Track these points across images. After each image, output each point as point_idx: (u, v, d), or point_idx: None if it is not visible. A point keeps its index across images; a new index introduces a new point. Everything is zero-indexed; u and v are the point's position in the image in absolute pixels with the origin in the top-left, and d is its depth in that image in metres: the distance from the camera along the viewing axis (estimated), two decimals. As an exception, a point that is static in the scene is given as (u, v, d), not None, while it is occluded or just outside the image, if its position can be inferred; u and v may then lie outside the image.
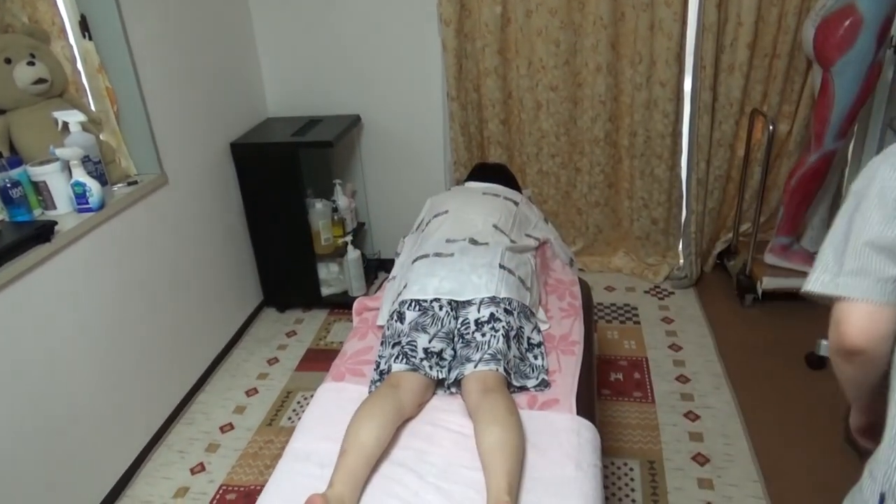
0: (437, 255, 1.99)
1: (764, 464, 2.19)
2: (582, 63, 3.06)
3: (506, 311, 1.81)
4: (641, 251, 3.41)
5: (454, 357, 1.76)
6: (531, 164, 3.31)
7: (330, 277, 3.31)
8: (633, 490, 2.12)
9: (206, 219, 2.82)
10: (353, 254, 3.21)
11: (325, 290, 3.30)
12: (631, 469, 2.20)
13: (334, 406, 1.73)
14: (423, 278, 1.91)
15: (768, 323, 2.99)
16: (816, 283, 0.94)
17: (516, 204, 2.36)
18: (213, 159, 2.87)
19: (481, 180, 2.52)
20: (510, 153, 3.32)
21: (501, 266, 1.94)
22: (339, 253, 3.24)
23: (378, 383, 1.77)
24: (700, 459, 2.23)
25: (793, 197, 2.93)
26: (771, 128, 2.82)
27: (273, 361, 2.93)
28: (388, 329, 1.90)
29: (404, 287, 1.93)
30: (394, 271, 2.24)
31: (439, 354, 1.76)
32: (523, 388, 1.74)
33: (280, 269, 3.24)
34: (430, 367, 1.72)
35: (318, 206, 3.15)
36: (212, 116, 2.85)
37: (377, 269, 3.60)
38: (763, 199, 2.99)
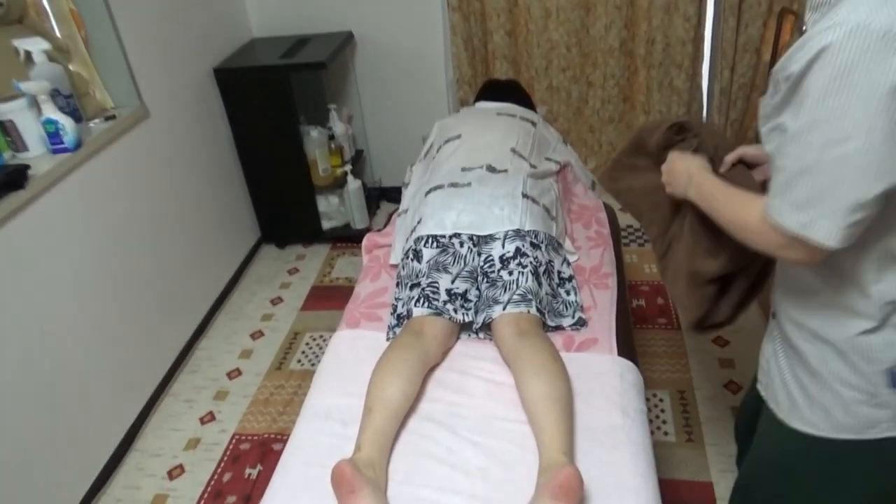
0: (453, 185, 1.81)
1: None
2: (595, -37, 2.78)
3: (532, 244, 1.65)
4: (658, 169, 3.22)
5: (479, 298, 1.61)
6: (540, 80, 3.07)
7: (330, 210, 3.13)
8: (664, 423, 2.03)
9: (193, 153, 2.61)
10: (353, 184, 3.01)
11: (326, 224, 3.12)
12: (661, 400, 2.11)
13: (352, 355, 1.59)
14: (440, 212, 1.73)
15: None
16: None
17: (534, 124, 2.15)
18: (196, 87, 2.62)
19: (493, 99, 2.30)
20: (517, 68, 3.07)
21: (524, 195, 1.77)
22: (338, 183, 3.04)
23: (397, 329, 1.63)
24: (733, 387, 2.13)
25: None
26: (805, 28, 2.57)
27: (277, 301, 2.79)
28: (403, 269, 1.74)
29: (419, 222, 1.76)
30: (403, 203, 2.06)
31: (463, 296, 1.61)
32: (558, 328, 1.60)
33: (277, 204, 3.05)
34: (455, 311, 1.57)
35: (314, 135, 2.93)
36: (191, 39, 2.58)
37: (379, 198, 3.41)
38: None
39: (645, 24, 2.86)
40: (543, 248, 1.68)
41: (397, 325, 1.63)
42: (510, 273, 1.59)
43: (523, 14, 2.92)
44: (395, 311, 1.68)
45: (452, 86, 3.07)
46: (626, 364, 1.49)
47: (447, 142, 2.03)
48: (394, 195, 3.30)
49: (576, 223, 2.01)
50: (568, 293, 1.69)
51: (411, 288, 1.63)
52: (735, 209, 0.97)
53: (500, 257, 1.63)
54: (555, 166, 2.06)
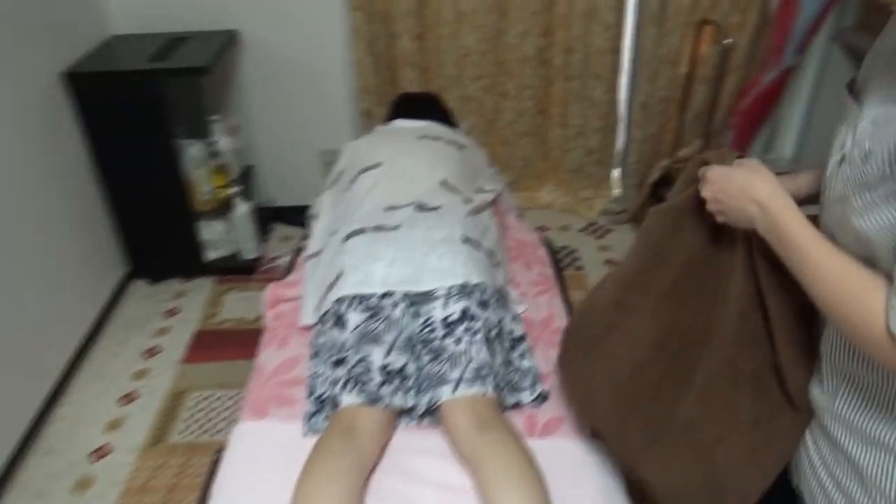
0: (378, 228, 1.49)
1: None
2: (510, -37, 2.54)
3: (481, 303, 1.37)
4: (574, 184, 3.06)
5: (420, 373, 1.31)
6: (451, 89, 2.80)
7: (215, 237, 2.68)
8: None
9: (38, 174, 2.10)
10: (242, 208, 2.59)
11: (210, 254, 2.68)
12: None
13: (260, 457, 1.24)
14: (365, 263, 1.41)
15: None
16: None
17: (462, 148, 1.87)
18: (39, 95, 2.11)
19: (411, 117, 2.00)
20: (427, 76, 2.78)
21: (465, 239, 1.48)
22: (223, 207, 2.61)
23: (318, 417, 1.29)
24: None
25: (744, 120, 2.65)
26: (730, 40, 2.48)
27: (152, 352, 2.33)
28: (320, 335, 1.40)
29: (338, 276, 1.42)
30: (314, 243, 1.72)
31: (401, 372, 1.30)
32: (517, 405, 1.33)
33: (149, 232, 2.57)
34: (394, 394, 1.26)
35: (192, 151, 2.48)
36: (29, 33, 2.07)
37: (272, 219, 3.00)
38: (714, 121, 2.70)
39: (563, 33, 2.66)
40: (493, 305, 1.40)
41: (318, 413, 1.30)
42: (458, 341, 1.30)
43: (433, 16, 2.63)
44: (312, 391, 1.34)
45: (355, 95, 2.73)
46: (603, 448, 1.25)
47: (364, 172, 1.71)
48: (291, 216, 2.91)
49: (515, 263, 1.75)
50: (522, 358, 1.42)
51: (335, 365, 1.30)
52: (841, 291, 0.69)
53: (444, 320, 1.34)
54: (489, 197, 1.79)
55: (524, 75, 2.77)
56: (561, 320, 1.56)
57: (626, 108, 2.84)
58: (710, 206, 0.89)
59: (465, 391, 1.23)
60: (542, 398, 1.34)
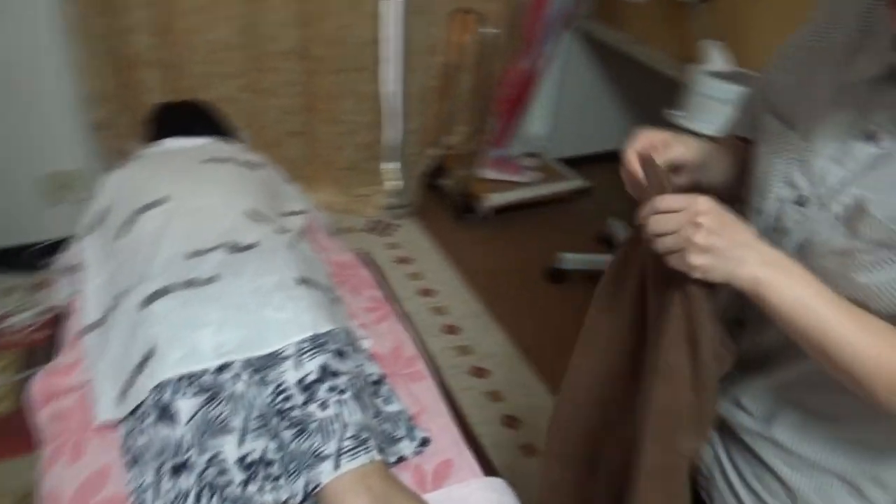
0: (189, 284, 1.20)
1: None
2: (258, -55, 2.26)
3: (338, 353, 1.18)
4: (349, 183, 2.91)
5: (286, 454, 1.08)
6: (204, 90, 2.43)
7: None
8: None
9: None
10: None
11: None
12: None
13: None
14: (185, 333, 1.12)
15: (503, 241, 2.86)
16: None
17: (256, 167, 1.61)
18: None
19: (181, 133, 1.66)
20: (172, 76, 2.37)
21: (301, 280, 1.27)
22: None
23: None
24: (508, 422, 1.99)
25: (508, 107, 2.76)
26: (496, 30, 2.53)
27: None
28: (138, 436, 1.09)
29: (148, 355, 1.11)
30: (90, 308, 1.34)
31: (263, 461, 1.06)
32: (400, 459, 1.18)
33: None
34: (261, 491, 1.02)
35: None
36: None
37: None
38: (479, 109, 2.75)
39: (325, 23, 2.47)
40: (350, 353, 1.22)
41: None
42: (323, 406, 1.10)
43: (174, 7, 2.24)
44: (145, 514, 1.03)
45: (82, 103, 2.22)
46: (499, 484, 1.17)
47: (144, 211, 1.37)
48: (9, 260, 2.30)
49: (342, 289, 1.56)
50: (388, 402, 1.27)
51: (174, 473, 1.01)
52: (865, 350, 0.61)
53: (299, 383, 1.12)
54: (303, 220, 1.58)
55: (286, 70, 2.53)
56: (410, 347, 1.44)
57: (400, 99, 2.76)
58: (697, 258, 0.64)
59: (349, 464, 1.04)
60: (424, 444, 1.21)
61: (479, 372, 2.15)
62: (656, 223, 0.67)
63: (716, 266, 0.64)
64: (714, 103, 1.99)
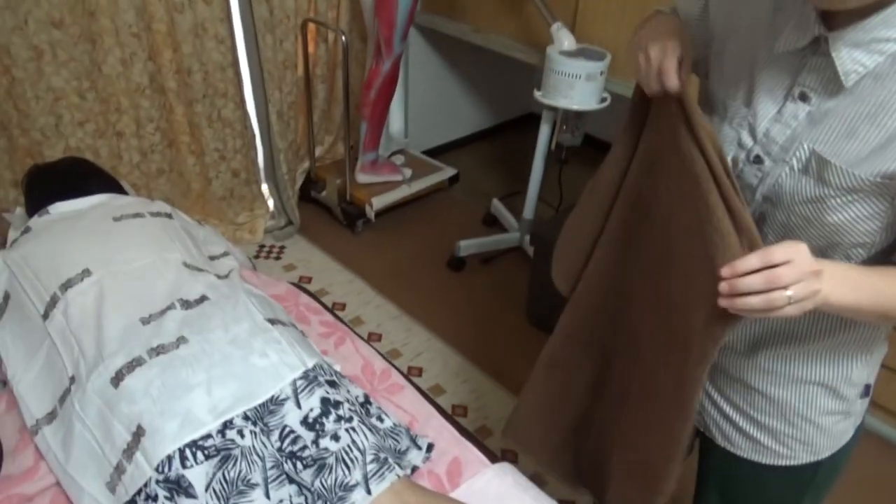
0: (159, 350, 1.13)
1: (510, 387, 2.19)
2: (88, -20, 2.09)
3: (330, 384, 1.18)
4: (229, 212, 2.79)
5: (312, 495, 1.07)
6: (51, 143, 2.22)
7: None
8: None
9: None
10: None
11: None
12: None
13: None
14: (174, 401, 1.07)
15: (397, 241, 2.91)
16: None
17: (170, 216, 1.53)
18: None
19: (71, 195, 1.52)
20: (11, 133, 2.13)
21: (270, 320, 1.24)
22: None
23: None
24: (458, 411, 2.07)
25: (375, 109, 2.79)
26: (344, 39, 2.54)
27: None
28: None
29: (137, 434, 1.05)
30: (31, 407, 1.21)
31: (294, 506, 1.05)
32: (414, 469, 1.21)
33: None
34: (304, 538, 1.01)
35: None
36: None
37: None
38: (345, 117, 2.76)
39: (171, 53, 2.34)
40: (338, 380, 1.23)
41: None
42: (335, 438, 1.11)
43: (1, 57, 2.01)
44: None
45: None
46: (507, 468, 1.24)
47: (66, 287, 1.26)
48: None
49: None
50: (381, 419, 1.28)
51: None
52: None
53: (304, 422, 1.12)
54: (233, 261, 1.52)
55: (140, 107, 2.37)
56: (378, 362, 1.46)
57: (265, 119, 2.69)
58: (786, 311, 0.70)
59: (380, 486, 1.06)
60: (430, 449, 1.25)
61: (416, 371, 2.20)
62: (742, 285, 0.71)
63: (802, 310, 0.71)
64: (569, 79, 2.18)
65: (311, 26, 2.68)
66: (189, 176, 2.64)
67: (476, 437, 1.32)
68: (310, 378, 1.16)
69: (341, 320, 1.60)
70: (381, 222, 2.93)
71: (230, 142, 2.63)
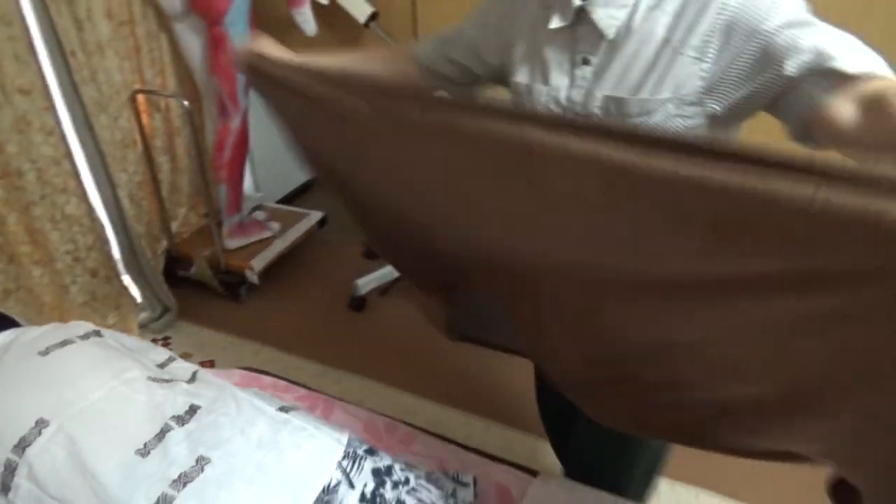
0: (183, 480, 1.00)
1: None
2: None
3: (369, 452, 1.13)
4: (94, 317, 2.47)
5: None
6: None
7: None
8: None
9: None
10: None
11: None
12: None
13: None
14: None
15: (289, 298, 2.78)
16: None
17: (96, 334, 1.33)
18: None
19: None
20: None
21: (280, 409, 1.15)
22: None
23: None
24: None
25: (232, 169, 2.65)
26: (186, 104, 2.38)
27: None
28: None
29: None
30: None
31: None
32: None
33: None
34: None
35: None
36: None
37: None
38: (204, 184, 2.59)
39: (-5, 156, 2.03)
40: (372, 449, 1.17)
41: None
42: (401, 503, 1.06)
43: None
44: None
45: None
46: (546, 477, 1.27)
47: (23, 446, 1.06)
48: None
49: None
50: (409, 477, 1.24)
51: None
52: None
53: (363, 499, 1.06)
54: (184, 363, 1.37)
55: (-34, 226, 2.03)
56: (378, 419, 1.40)
57: (114, 206, 2.42)
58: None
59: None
60: (476, 483, 1.23)
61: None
62: None
63: None
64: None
65: (141, 97, 2.47)
66: (38, 290, 2.29)
67: (504, 459, 1.33)
68: (351, 455, 1.09)
69: (314, 390, 1.51)
70: (264, 284, 2.78)
71: (81, 240, 2.34)
